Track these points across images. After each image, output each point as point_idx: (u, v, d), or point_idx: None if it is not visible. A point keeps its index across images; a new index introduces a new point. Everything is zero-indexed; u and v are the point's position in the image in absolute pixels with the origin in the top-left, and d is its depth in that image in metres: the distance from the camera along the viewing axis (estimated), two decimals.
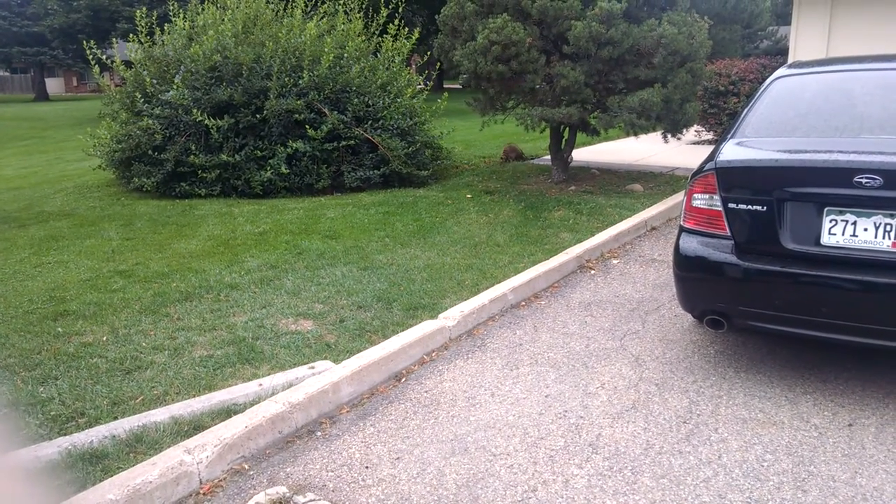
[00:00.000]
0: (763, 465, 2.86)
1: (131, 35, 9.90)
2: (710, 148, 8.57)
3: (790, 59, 10.55)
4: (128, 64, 9.69)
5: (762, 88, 4.18)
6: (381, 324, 4.33)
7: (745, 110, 4.02)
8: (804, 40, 10.26)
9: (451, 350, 4.15)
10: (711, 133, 11.75)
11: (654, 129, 7.61)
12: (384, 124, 8.79)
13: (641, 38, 7.13)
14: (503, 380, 3.74)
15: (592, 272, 5.57)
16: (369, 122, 8.75)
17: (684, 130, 7.84)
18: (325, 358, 3.88)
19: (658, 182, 8.48)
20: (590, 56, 7.27)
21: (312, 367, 3.71)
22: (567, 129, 8.31)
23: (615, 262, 5.82)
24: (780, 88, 4.10)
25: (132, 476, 2.70)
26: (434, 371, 3.88)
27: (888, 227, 3.10)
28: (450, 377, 3.79)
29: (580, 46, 7.17)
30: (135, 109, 8.91)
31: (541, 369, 3.84)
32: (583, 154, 10.69)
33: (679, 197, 7.55)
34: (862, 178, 3.09)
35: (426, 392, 3.63)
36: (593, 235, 6.25)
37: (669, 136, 7.95)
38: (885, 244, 3.11)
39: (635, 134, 7.43)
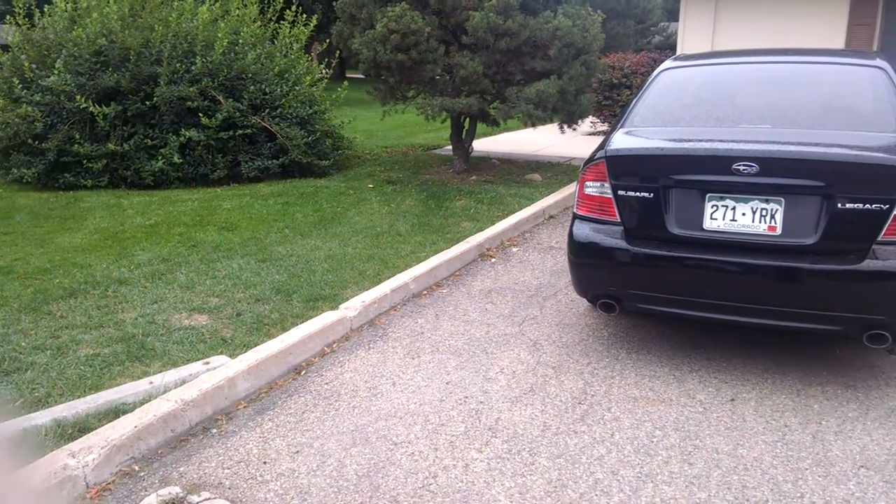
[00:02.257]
0: (653, 441, 2.99)
1: (8, 17, 9.25)
2: (600, 139, 8.83)
3: (677, 53, 11.03)
4: (4, 48, 9.05)
5: (649, 80, 4.34)
6: (279, 316, 4.25)
7: (634, 101, 4.18)
8: (691, 37, 10.76)
9: (353, 341, 4.12)
10: (606, 124, 12.13)
11: (551, 120, 7.79)
12: (282, 113, 8.60)
13: (538, 30, 7.27)
14: (405, 368, 3.74)
15: (493, 260, 5.65)
16: (267, 111, 8.54)
17: (580, 121, 8.06)
18: (221, 353, 3.77)
19: (556, 172, 8.70)
20: (488, 47, 7.35)
21: (207, 363, 3.60)
22: (468, 119, 8.38)
23: (515, 249, 5.93)
24: (666, 80, 4.27)
25: (12, 483, 2.54)
26: (335, 362, 3.84)
27: (764, 212, 3.29)
28: (351, 368, 3.76)
29: (478, 37, 7.23)
30: (12, 96, 8.35)
31: (442, 357, 3.87)
32: (484, 144, 10.82)
33: (575, 186, 7.76)
34: (739, 165, 3.26)
35: (326, 384, 3.59)
36: (493, 224, 6.34)
37: (566, 126, 8.15)
38: (761, 228, 3.30)
39: (533, 125, 7.57)
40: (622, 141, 3.74)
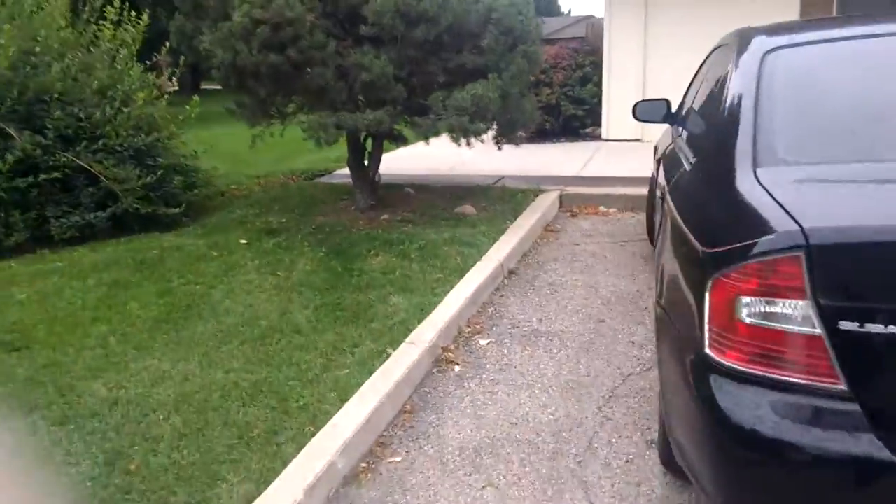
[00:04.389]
0: None
1: None
2: (521, 149, 6.74)
3: (606, 47, 9.34)
4: None
5: (745, 70, 2.41)
6: None
7: (744, 109, 2.21)
8: (619, 25, 9.13)
9: None
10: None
11: (485, 132, 5.75)
12: (108, 144, 6.09)
13: (464, 13, 5.24)
14: None
15: (456, 369, 3.56)
16: (84, 143, 6.00)
17: (522, 133, 6.12)
18: None
19: (490, 199, 6.68)
20: (397, 39, 5.24)
21: None
22: (371, 137, 6.23)
23: (483, 342, 3.86)
24: (789, 70, 2.35)
25: None
26: None
27: None
28: None
29: (383, 25, 5.12)
30: None
31: None
32: (382, 164, 8.68)
33: (528, 221, 5.78)
34: None
35: None
36: (438, 298, 4.25)
37: (503, 140, 6.16)
38: None
39: (467, 141, 5.54)
40: (815, 202, 1.75)
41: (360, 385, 3.21)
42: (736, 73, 2.49)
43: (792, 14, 8.25)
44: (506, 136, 6.02)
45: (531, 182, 7.18)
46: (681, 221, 2.17)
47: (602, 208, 6.50)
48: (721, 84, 2.78)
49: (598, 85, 9.45)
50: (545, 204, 6.33)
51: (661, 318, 2.20)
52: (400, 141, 6.60)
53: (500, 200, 6.59)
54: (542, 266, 5.09)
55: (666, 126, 4.62)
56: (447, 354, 3.67)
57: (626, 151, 8.87)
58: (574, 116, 9.55)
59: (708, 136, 2.54)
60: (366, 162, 6.38)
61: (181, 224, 6.37)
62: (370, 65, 5.08)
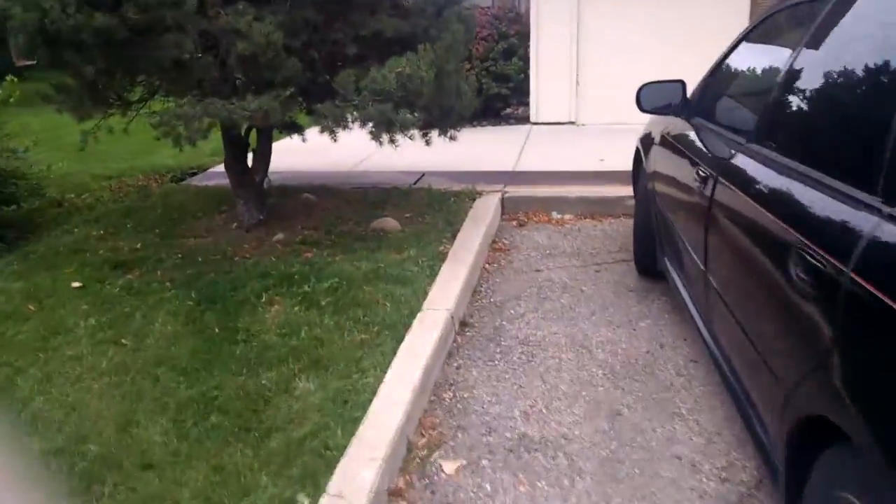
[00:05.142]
0: None
1: None
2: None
3: (533, 13, 8.04)
4: None
5: None
6: None
7: None
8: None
9: None
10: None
11: (415, 124, 4.31)
12: None
13: None
14: None
15: None
16: None
17: (458, 127, 4.73)
18: None
19: (414, 206, 5.25)
20: None
21: None
22: (256, 130, 4.66)
23: (450, 469, 2.47)
24: None
25: None
26: None
27: None
28: None
29: None
30: None
31: None
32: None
33: (472, 239, 4.41)
34: None
35: None
36: (368, 378, 2.84)
37: (436, 133, 4.74)
38: None
39: (391, 137, 4.08)
40: None
41: None
42: None
43: None
44: (438, 127, 4.59)
45: (461, 180, 5.80)
46: None
47: (555, 214, 5.21)
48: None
49: (524, 59, 8.15)
50: (486, 212, 4.98)
51: None
52: (292, 130, 5.05)
53: (429, 208, 5.18)
54: (503, 310, 3.74)
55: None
56: (398, 503, 2.27)
57: (561, 137, 7.65)
58: (497, 96, 8.22)
59: None
60: (250, 161, 4.80)
61: None
62: (247, 31, 3.53)
